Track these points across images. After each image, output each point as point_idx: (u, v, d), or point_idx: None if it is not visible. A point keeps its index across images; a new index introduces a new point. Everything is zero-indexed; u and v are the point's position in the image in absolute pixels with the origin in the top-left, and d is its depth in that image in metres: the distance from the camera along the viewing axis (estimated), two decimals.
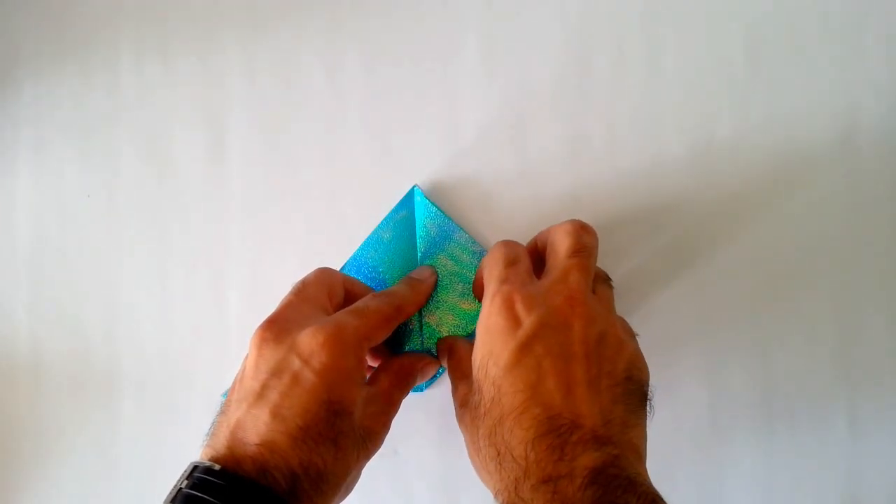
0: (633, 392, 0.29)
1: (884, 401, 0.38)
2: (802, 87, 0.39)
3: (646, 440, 0.29)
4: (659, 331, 0.39)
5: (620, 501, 0.25)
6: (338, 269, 0.39)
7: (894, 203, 0.38)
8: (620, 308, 0.38)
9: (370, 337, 0.32)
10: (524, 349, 0.28)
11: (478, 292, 0.35)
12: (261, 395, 0.29)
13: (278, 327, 0.30)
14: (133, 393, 0.42)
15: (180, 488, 0.27)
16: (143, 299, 0.42)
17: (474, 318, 0.38)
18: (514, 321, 0.29)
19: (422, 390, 0.39)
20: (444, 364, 0.36)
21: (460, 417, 0.32)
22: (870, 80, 0.38)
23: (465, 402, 0.31)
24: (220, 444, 0.28)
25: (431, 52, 0.40)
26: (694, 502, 0.39)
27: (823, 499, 0.38)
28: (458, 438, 0.39)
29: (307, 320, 0.31)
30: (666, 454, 0.38)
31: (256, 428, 0.28)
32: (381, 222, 0.39)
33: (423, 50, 0.40)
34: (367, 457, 0.31)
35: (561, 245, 0.32)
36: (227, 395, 0.31)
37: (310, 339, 0.29)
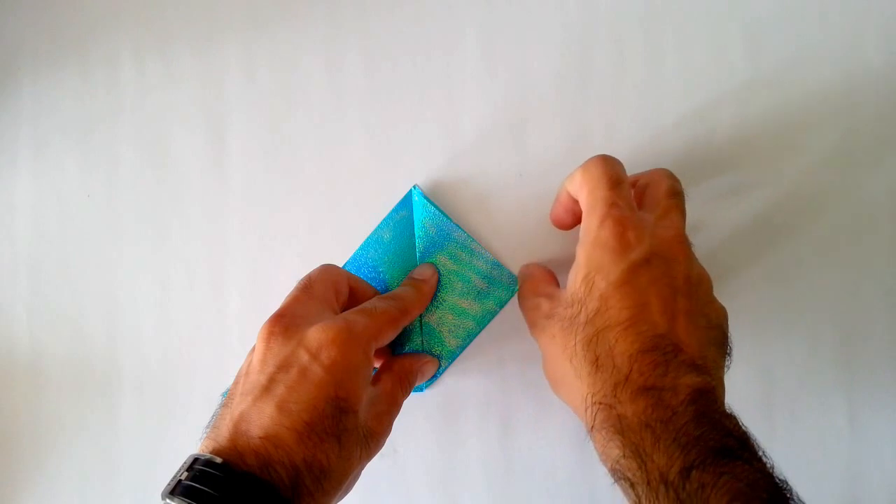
0: (721, 341, 0.30)
1: (884, 400, 0.38)
2: (802, 86, 0.39)
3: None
4: None
5: (720, 423, 0.26)
6: None
7: (894, 201, 0.38)
8: None
9: (378, 337, 0.32)
10: (635, 271, 0.30)
11: (559, 212, 0.36)
12: (267, 388, 0.29)
13: (287, 322, 0.31)
14: (133, 393, 0.42)
15: (180, 480, 0.26)
16: (143, 299, 0.42)
17: (474, 317, 0.38)
18: (626, 244, 0.30)
19: (422, 390, 0.39)
20: (520, 286, 0.37)
21: (543, 328, 0.33)
22: (870, 80, 0.38)
23: (551, 315, 0.32)
24: (223, 437, 0.28)
25: (431, 52, 0.40)
26: None
27: (824, 498, 0.38)
28: (457, 438, 0.40)
29: (315, 317, 0.31)
30: None
31: (261, 421, 0.28)
32: (382, 222, 0.39)
33: (423, 50, 0.40)
34: (369, 457, 0.31)
35: (661, 184, 0.33)
36: (231, 388, 0.31)
37: (320, 335, 0.30)
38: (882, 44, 0.38)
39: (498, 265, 0.38)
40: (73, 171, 0.43)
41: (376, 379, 0.34)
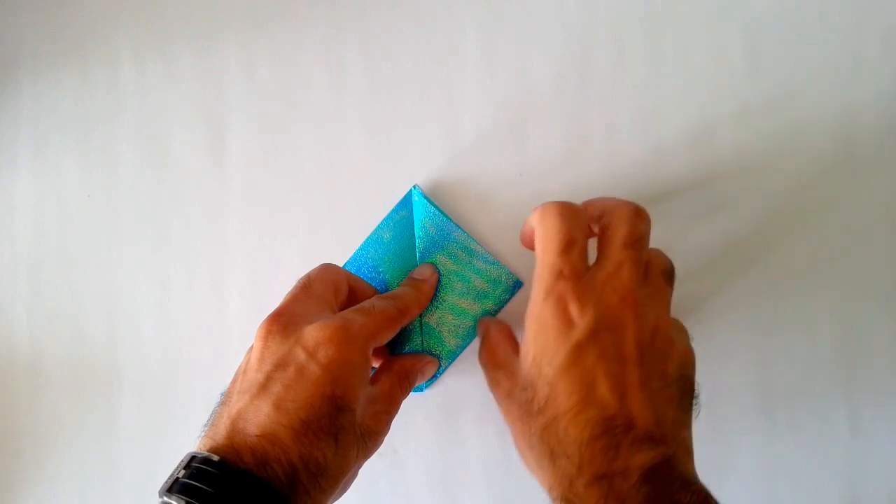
0: (684, 391, 0.29)
1: (884, 400, 0.38)
2: (802, 86, 0.39)
3: (692, 438, 0.29)
4: None
5: (674, 499, 0.25)
6: None
7: (894, 202, 0.38)
8: None
9: (376, 336, 0.32)
10: (579, 351, 0.28)
11: (526, 242, 0.34)
12: (264, 386, 0.29)
13: (285, 320, 0.31)
14: (133, 393, 0.42)
15: (177, 478, 0.27)
16: (143, 299, 0.42)
17: (474, 316, 0.38)
18: (568, 321, 0.29)
19: (422, 390, 0.39)
20: (480, 352, 0.35)
21: (507, 410, 0.32)
22: (870, 80, 0.38)
23: (510, 395, 0.31)
24: (220, 435, 0.28)
25: (431, 52, 0.40)
26: None
27: (824, 499, 0.38)
28: (457, 438, 0.40)
29: (314, 316, 0.31)
30: None
31: (258, 419, 0.28)
32: (382, 222, 0.39)
33: (423, 50, 0.40)
34: (366, 456, 0.31)
35: (616, 232, 0.31)
36: (229, 386, 0.31)
37: (317, 333, 0.30)
38: (882, 44, 0.38)
39: (498, 265, 0.38)
40: (73, 171, 0.43)
41: (375, 378, 0.34)
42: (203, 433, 0.29)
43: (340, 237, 0.40)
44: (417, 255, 0.38)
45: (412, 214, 0.39)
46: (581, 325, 0.29)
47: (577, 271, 0.30)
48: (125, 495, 0.42)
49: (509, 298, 0.39)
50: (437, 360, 0.38)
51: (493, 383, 0.33)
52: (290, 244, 0.41)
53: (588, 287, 0.29)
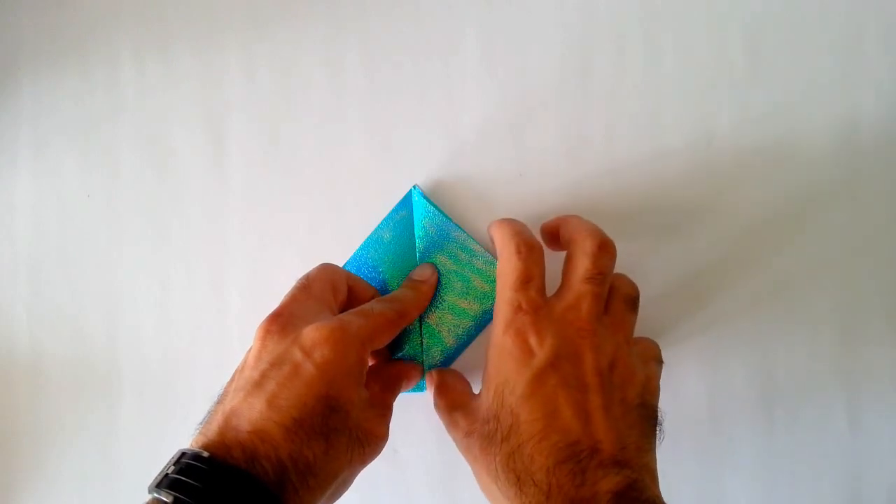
0: (645, 417, 0.30)
1: (884, 400, 0.38)
2: (802, 86, 0.39)
3: (656, 463, 0.30)
4: (659, 329, 0.39)
5: None
6: None
7: (894, 201, 0.38)
8: None
9: (373, 338, 0.32)
10: (539, 379, 0.29)
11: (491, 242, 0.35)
12: (259, 384, 0.29)
13: (283, 321, 0.31)
14: (133, 393, 0.42)
15: (167, 473, 0.27)
16: (143, 299, 0.42)
17: (474, 316, 0.38)
18: (528, 351, 0.30)
19: (422, 390, 0.39)
20: (434, 398, 0.36)
21: (467, 448, 0.32)
22: (870, 80, 0.38)
23: (470, 433, 0.31)
24: (212, 431, 0.28)
25: (431, 52, 0.40)
26: (694, 501, 0.39)
27: (823, 497, 0.38)
28: None
29: (312, 316, 0.31)
30: (666, 453, 0.38)
31: (250, 415, 0.28)
32: (382, 222, 0.39)
33: (423, 49, 0.40)
34: (363, 461, 0.31)
35: (579, 265, 0.32)
36: (225, 385, 0.31)
37: (314, 334, 0.30)
38: (882, 44, 0.38)
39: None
40: (73, 171, 0.43)
41: (366, 384, 0.34)
42: (197, 430, 0.29)
43: (340, 237, 0.40)
44: (417, 255, 0.38)
45: (412, 214, 0.39)
46: (540, 354, 0.29)
47: (535, 305, 0.31)
48: (125, 495, 0.42)
49: None
50: (420, 367, 0.38)
51: (452, 426, 0.34)
52: (290, 244, 0.41)
53: (546, 319, 0.30)
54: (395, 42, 0.41)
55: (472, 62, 0.40)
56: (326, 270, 0.34)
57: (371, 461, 0.32)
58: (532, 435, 0.28)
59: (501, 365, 0.30)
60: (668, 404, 0.38)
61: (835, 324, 0.38)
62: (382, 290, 0.38)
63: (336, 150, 0.41)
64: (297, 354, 0.29)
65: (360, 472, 0.32)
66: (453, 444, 0.40)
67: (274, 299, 0.33)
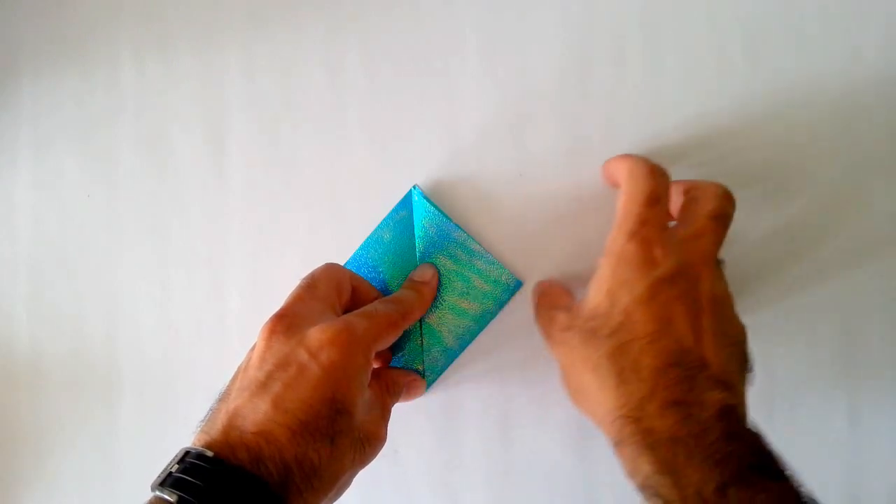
0: (743, 358, 0.31)
1: (884, 399, 0.38)
2: (802, 86, 0.39)
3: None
4: None
5: (749, 440, 0.27)
6: None
7: (894, 202, 0.38)
8: None
9: (378, 340, 0.32)
10: (659, 286, 0.30)
11: (609, 180, 0.36)
12: (264, 385, 0.29)
13: (288, 321, 0.31)
14: (133, 392, 0.42)
15: (171, 472, 0.27)
16: (143, 299, 0.42)
17: (474, 316, 0.38)
18: (652, 260, 0.30)
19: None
20: (533, 303, 0.37)
21: (561, 341, 0.32)
22: (870, 79, 0.38)
23: (570, 327, 0.32)
24: (216, 431, 0.28)
25: (431, 52, 0.40)
26: None
27: (823, 497, 0.38)
28: (458, 438, 0.40)
29: (317, 317, 0.31)
30: None
31: (255, 416, 0.28)
32: (382, 222, 0.39)
33: (423, 50, 0.40)
34: (363, 461, 0.31)
35: (706, 202, 0.32)
36: (228, 384, 0.31)
37: (320, 335, 0.30)
38: (882, 43, 0.38)
39: (498, 265, 0.38)
40: (73, 171, 0.43)
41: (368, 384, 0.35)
42: (199, 428, 0.29)
43: (340, 237, 0.40)
44: (417, 255, 0.38)
45: (412, 214, 0.39)
46: (664, 265, 0.30)
47: (661, 222, 0.31)
48: (125, 495, 0.42)
49: (509, 299, 0.39)
50: (423, 380, 0.38)
51: (549, 320, 0.34)
52: (290, 244, 0.41)
53: (671, 238, 0.31)
54: (395, 42, 0.41)
55: (472, 62, 0.40)
56: (331, 270, 0.34)
57: (370, 462, 0.32)
58: (645, 335, 0.29)
59: (619, 269, 0.31)
60: None
61: (835, 322, 0.38)
62: (383, 291, 0.38)
63: (336, 149, 0.41)
64: (303, 356, 0.29)
65: (359, 472, 0.32)
66: (453, 445, 0.40)
67: (274, 299, 0.32)
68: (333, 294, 0.34)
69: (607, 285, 0.31)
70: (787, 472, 0.26)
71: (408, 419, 0.39)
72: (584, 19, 0.39)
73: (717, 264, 0.32)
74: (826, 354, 0.38)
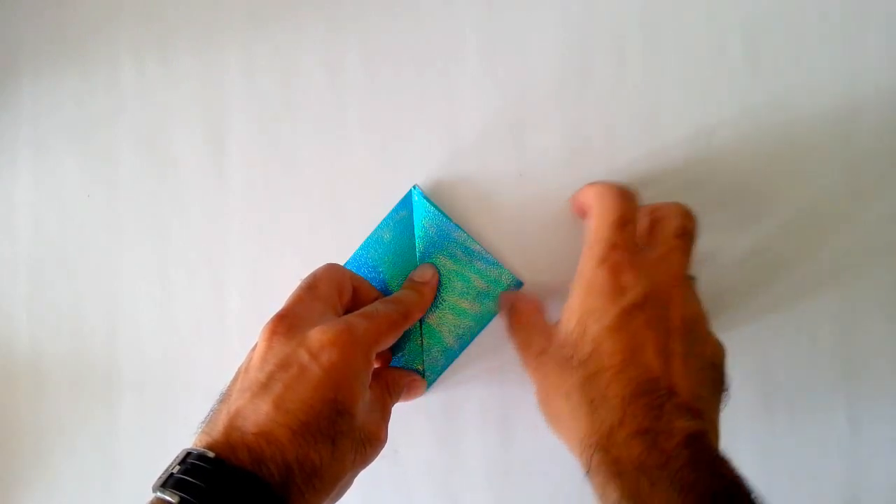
0: (716, 380, 0.31)
1: (884, 400, 0.38)
2: (802, 86, 0.39)
3: (720, 424, 0.30)
4: None
5: (714, 467, 0.27)
6: None
7: (894, 202, 0.38)
8: None
9: (379, 341, 0.32)
10: (629, 314, 0.30)
11: (578, 210, 0.36)
12: (266, 385, 0.29)
13: (289, 322, 0.31)
14: (133, 393, 0.42)
15: (172, 473, 0.27)
16: (143, 299, 0.42)
17: (474, 316, 0.38)
18: (620, 287, 0.30)
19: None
20: (505, 319, 0.37)
21: (537, 367, 0.33)
22: (870, 80, 0.38)
23: (543, 352, 0.32)
24: (217, 431, 0.28)
25: (431, 52, 0.40)
26: None
27: (823, 497, 0.38)
28: (458, 438, 0.40)
29: (318, 318, 0.31)
30: None
31: (256, 417, 0.28)
32: (382, 222, 0.39)
33: (423, 50, 0.40)
34: (364, 462, 0.31)
35: (671, 222, 0.33)
36: (229, 385, 0.31)
37: (321, 336, 0.30)
38: (883, 43, 0.38)
39: (498, 265, 0.38)
40: (73, 171, 0.43)
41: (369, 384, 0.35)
42: (200, 429, 0.29)
43: (340, 237, 0.40)
44: (417, 255, 0.38)
45: (412, 214, 0.39)
46: (632, 292, 0.30)
47: (631, 246, 0.32)
48: (125, 495, 0.42)
49: None
50: (424, 380, 0.38)
51: (524, 345, 0.34)
52: (290, 244, 0.41)
53: (641, 261, 0.31)
54: (395, 42, 0.40)
55: (472, 62, 0.40)
56: (332, 271, 0.34)
57: (371, 462, 0.32)
58: (612, 365, 0.29)
59: (589, 297, 0.31)
60: None
61: (835, 324, 0.38)
62: (383, 291, 0.38)
63: (336, 149, 0.41)
64: (304, 357, 0.29)
65: (359, 472, 0.32)
66: (453, 445, 0.40)
67: (274, 299, 0.32)
68: (334, 294, 0.34)
69: (578, 314, 0.31)
70: (754, 499, 0.26)
71: (408, 419, 0.39)
72: (584, 19, 0.39)
73: (688, 282, 0.32)
74: (826, 356, 0.38)
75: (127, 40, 0.42)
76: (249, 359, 0.31)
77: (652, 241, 0.33)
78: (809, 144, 0.39)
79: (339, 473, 0.29)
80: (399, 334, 0.34)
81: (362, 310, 0.33)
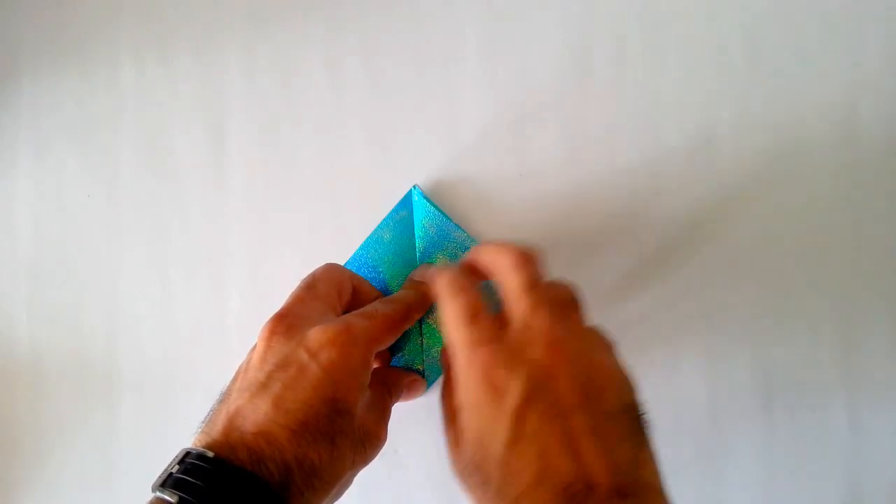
0: (632, 420, 0.28)
1: (884, 400, 0.38)
2: (802, 85, 0.39)
3: (658, 467, 0.28)
4: (659, 329, 0.39)
5: None
6: None
7: (894, 201, 0.38)
8: (624, 306, 0.38)
9: (378, 340, 0.32)
10: (519, 420, 0.27)
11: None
12: (265, 385, 0.29)
13: (289, 322, 0.31)
14: (132, 393, 0.42)
15: (171, 472, 0.27)
16: (143, 299, 0.42)
17: None
18: (498, 391, 0.27)
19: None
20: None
21: (464, 489, 0.30)
22: (870, 80, 0.38)
23: (461, 473, 0.29)
24: (216, 431, 0.28)
25: (432, 52, 0.40)
26: (694, 501, 0.39)
27: (823, 497, 0.38)
28: None
29: (317, 317, 0.31)
30: (666, 453, 0.38)
31: (256, 417, 0.28)
32: (382, 222, 0.39)
33: (423, 50, 0.40)
34: (364, 461, 0.31)
35: (510, 284, 0.30)
36: (228, 384, 0.31)
37: (320, 336, 0.30)
38: (883, 44, 0.38)
39: None
40: (73, 171, 0.43)
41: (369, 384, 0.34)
42: (199, 429, 0.29)
43: (340, 237, 0.40)
44: (417, 255, 0.38)
45: (412, 214, 0.39)
46: (513, 390, 0.27)
47: (491, 336, 0.29)
48: (125, 495, 0.42)
49: None
50: (423, 380, 0.38)
51: (447, 446, 0.31)
52: (290, 244, 0.41)
53: (507, 348, 0.28)
54: (395, 42, 0.40)
55: (472, 62, 0.40)
56: (331, 270, 0.34)
57: (370, 462, 0.32)
58: (527, 486, 0.26)
59: (474, 413, 0.28)
60: (669, 405, 0.38)
61: (835, 324, 0.38)
62: (383, 291, 0.38)
63: (336, 150, 0.41)
64: (303, 356, 0.29)
65: (359, 472, 0.32)
66: None
67: (274, 299, 0.32)
68: (334, 294, 0.34)
69: (473, 437, 0.28)
70: None
71: (408, 419, 0.39)
72: (584, 19, 0.39)
73: (566, 336, 0.28)
74: (826, 354, 0.38)
75: (127, 40, 0.42)
76: (249, 359, 0.31)
77: (506, 312, 0.30)
78: (809, 144, 0.39)
79: (339, 473, 0.29)
80: (399, 334, 0.34)
81: (362, 309, 0.33)
